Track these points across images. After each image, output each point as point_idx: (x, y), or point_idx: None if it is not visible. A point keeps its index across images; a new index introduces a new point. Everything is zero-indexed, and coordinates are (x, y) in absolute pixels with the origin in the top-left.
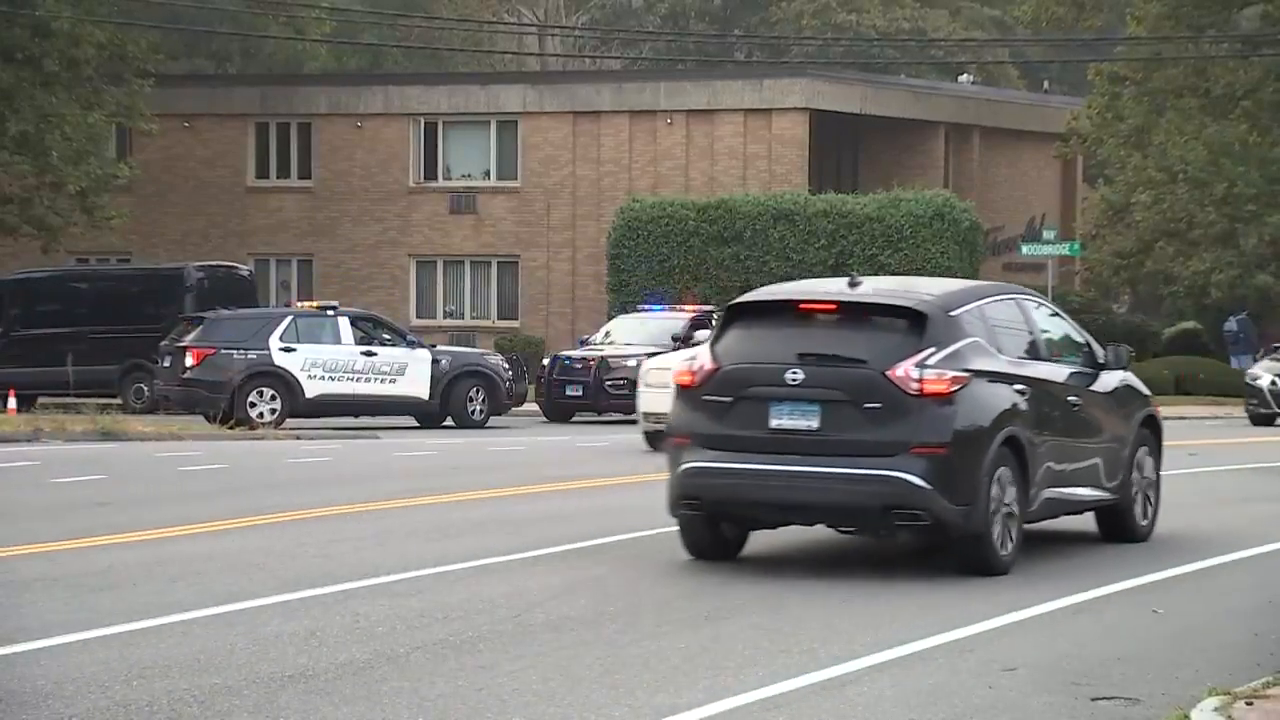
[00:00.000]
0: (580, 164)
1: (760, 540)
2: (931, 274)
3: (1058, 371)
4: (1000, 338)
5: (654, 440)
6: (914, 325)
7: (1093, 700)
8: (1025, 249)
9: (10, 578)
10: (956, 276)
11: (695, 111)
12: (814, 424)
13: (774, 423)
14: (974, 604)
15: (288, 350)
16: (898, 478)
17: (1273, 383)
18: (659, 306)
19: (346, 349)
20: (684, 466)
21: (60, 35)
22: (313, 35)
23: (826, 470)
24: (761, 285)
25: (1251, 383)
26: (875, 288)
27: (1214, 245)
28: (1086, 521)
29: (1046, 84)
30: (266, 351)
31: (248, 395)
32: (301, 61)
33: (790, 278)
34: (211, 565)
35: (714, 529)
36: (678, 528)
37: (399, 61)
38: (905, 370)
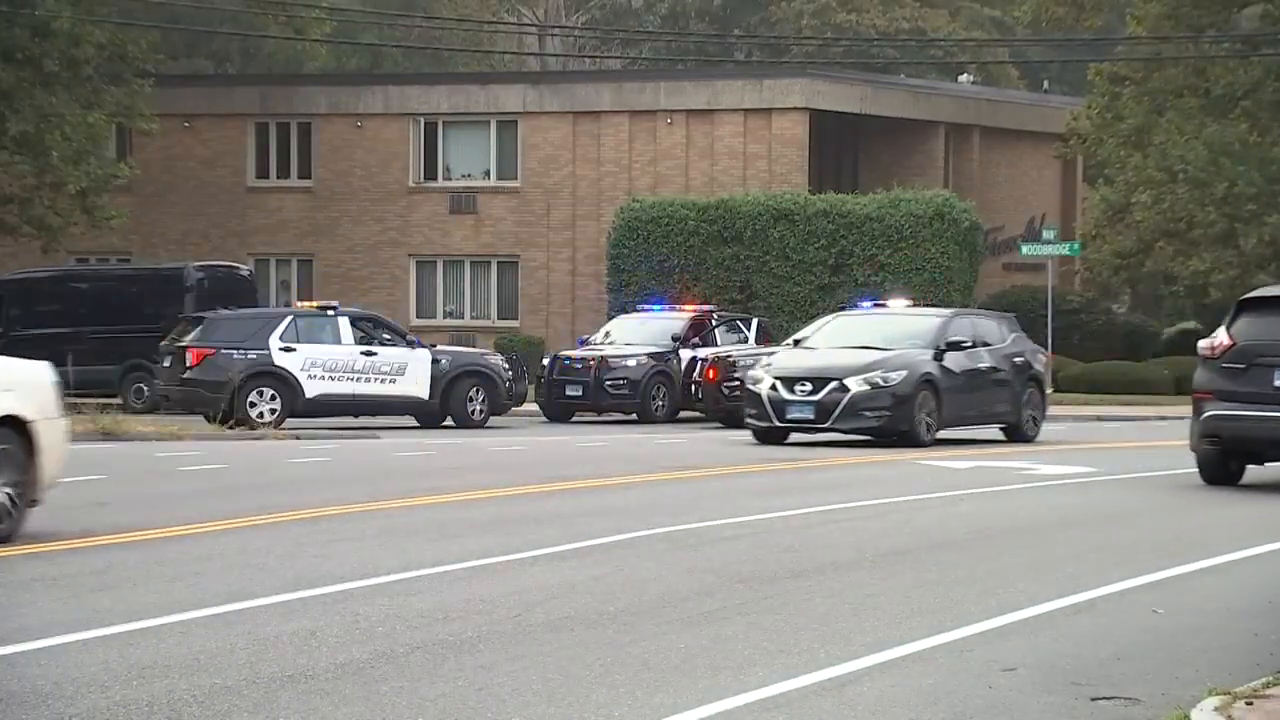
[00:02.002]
0: (580, 164)
1: (759, 542)
2: (931, 274)
3: None
4: None
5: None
6: None
7: (1093, 700)
8: (1025, 249)
9: (10, 578)
10: (956, 277)
11: (695, 111)
12: None
13: (1276, 383)
14: (973, 604)
15: (288, 350)
16: None
17: (773, 387)
18: (657, 306)
19: (346, 349)
20: (1206, 415)
21: (60, 35)
22: (313, 35)
23: None
24: (761, 285)
25: (752, 387)
26: None
27: (1214, 245)
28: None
29: (1046, 84)
30: (266, 351)
31: (248, 395)
32: (301, 61)
33: (790, 277)
34: (211, 565)
35: (1224, 462)
36: (1195, 464)
37: (399, 61)
38: None
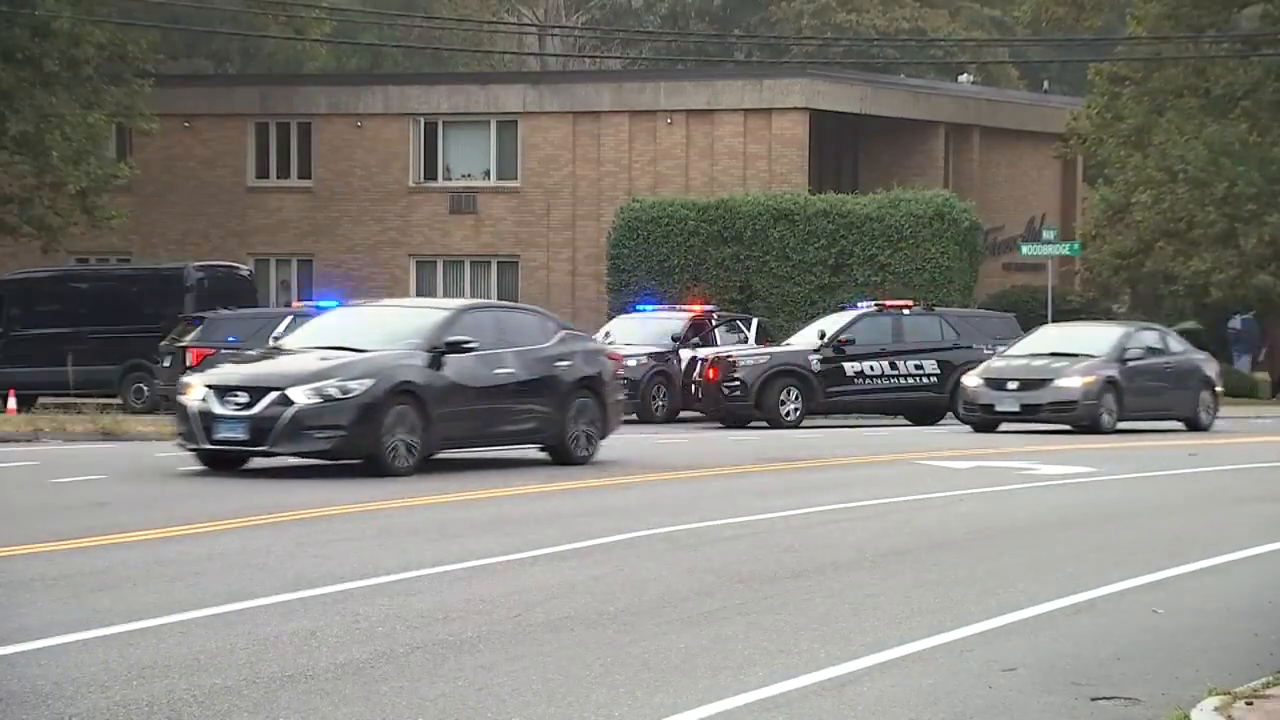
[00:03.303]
0: (580, 164)
1: (759, 542)
2: (931, 274)
3: None
4: None
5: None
6: None
7: (1093, 700)
8: (1025, 249)
9: (10, 578)
10: (956, 277)
11: (695, 111)
12: None
13: None
14: (973, 604)
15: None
16: None
17: (204, 399)
18: (654, 306)
19: None
20: None
21: (60, 35)
22: (313, 35)
23: None
24: (761, 285)
25: (180, 398)
26: None
27: (1214, 245)
28: None
29: (1046, 84)
30: None
31: None
32: (301, 61)
33: (790, 277)
34: (211, 565)
35: None
36: None
37: (399, 61)
38: None
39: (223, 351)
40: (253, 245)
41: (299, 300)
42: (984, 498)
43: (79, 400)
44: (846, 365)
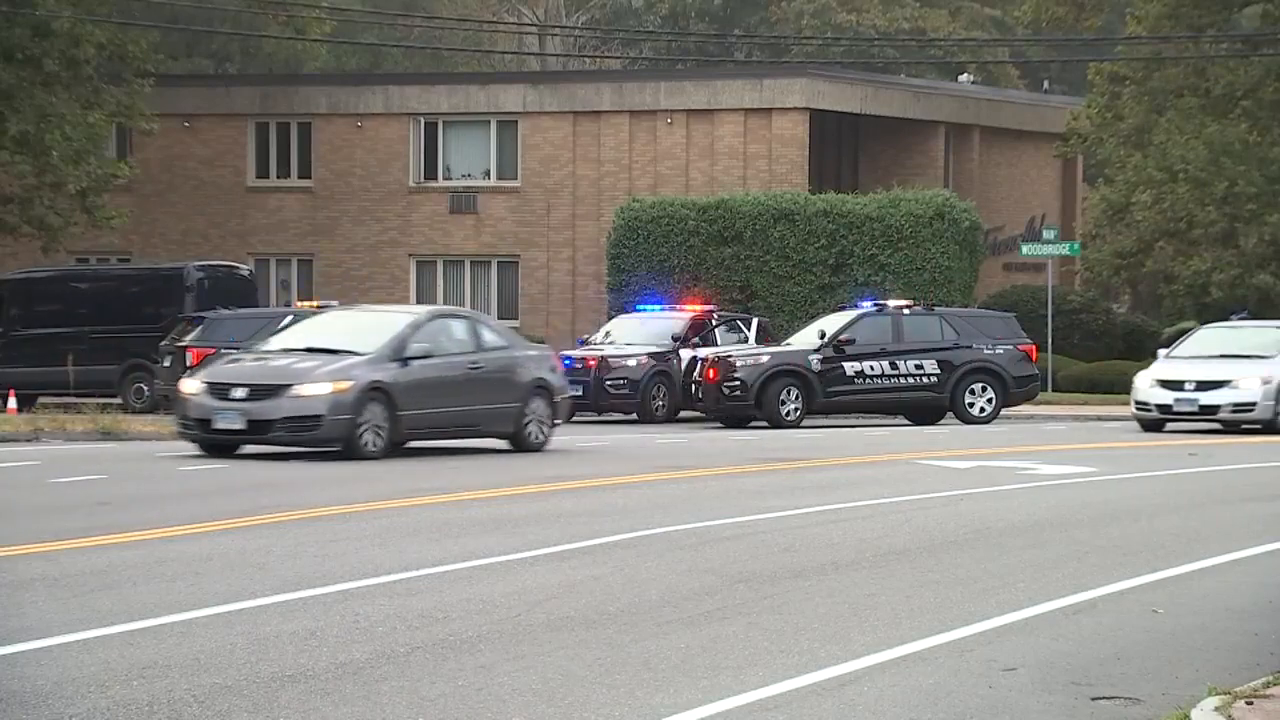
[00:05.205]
0: (580, 164)
1: (759, 542)
2: (931, 274)
3: None
4: None
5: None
6: None
7: (1093, 700)
8: (1025, 249)
9: (10, 578)
10: (956, 277)
11: (695, 111)
12: None
13: None
14: (973, 604)
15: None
16: None
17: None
18: (653, 306)
19: None
20: None
21: (60, 35)
22: (313, 35)
23: None
24: (761, 285)
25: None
26: None
27: (1214, 245)
28: None
29: (1046, 84)
30: None
31: None
32: (301, 61)
33: (790, 277)
34: (211, 565)
35: None
36: None
37: (399, 61)
38: None
39: (222, 351)
40: (253, 245)
41: (301, 301)
42: (984, 498)
43: (79, 400)
44: (846, 365)
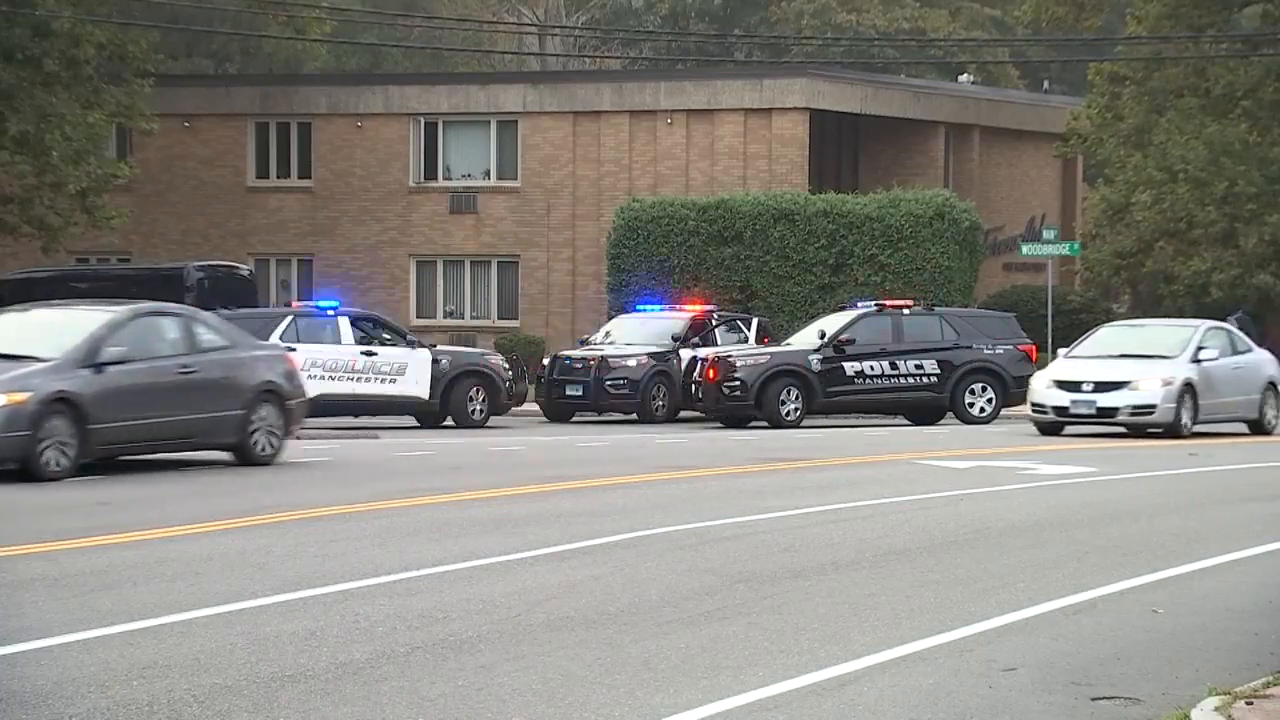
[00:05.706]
0: (580, 164)
1: (759, 542)
2: (931, 274)
3: None
4: None
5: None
6: None
7: (1093, 700)
8: (1025, 249)
9: (10, 578)
10: (956, 277)
11: (695, 111)
12: None
13: None
14: (973, 604)
15: (288, 350)
16: None
17: None
18: (653, 306)
19: (347, 349)
20: None
21: (60, 35)
22: (313, 35)
23: None
24: (761, 285)
25: None
26: None
27: (1214, 245)
28: None
29: (1046, 84)
30: None
31: None
32: (301, 61)
33: (790, 277)
34: (211, 565)
35: None
36: None
37: (399, 61)
38: None
39: None
40: (253, 245)
41: (297, 301)
42: (984, 498)
43: None
44: (846, 365)
